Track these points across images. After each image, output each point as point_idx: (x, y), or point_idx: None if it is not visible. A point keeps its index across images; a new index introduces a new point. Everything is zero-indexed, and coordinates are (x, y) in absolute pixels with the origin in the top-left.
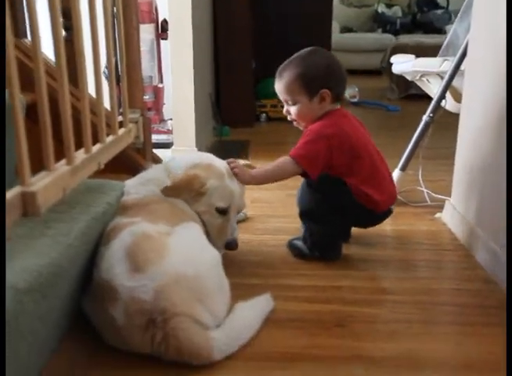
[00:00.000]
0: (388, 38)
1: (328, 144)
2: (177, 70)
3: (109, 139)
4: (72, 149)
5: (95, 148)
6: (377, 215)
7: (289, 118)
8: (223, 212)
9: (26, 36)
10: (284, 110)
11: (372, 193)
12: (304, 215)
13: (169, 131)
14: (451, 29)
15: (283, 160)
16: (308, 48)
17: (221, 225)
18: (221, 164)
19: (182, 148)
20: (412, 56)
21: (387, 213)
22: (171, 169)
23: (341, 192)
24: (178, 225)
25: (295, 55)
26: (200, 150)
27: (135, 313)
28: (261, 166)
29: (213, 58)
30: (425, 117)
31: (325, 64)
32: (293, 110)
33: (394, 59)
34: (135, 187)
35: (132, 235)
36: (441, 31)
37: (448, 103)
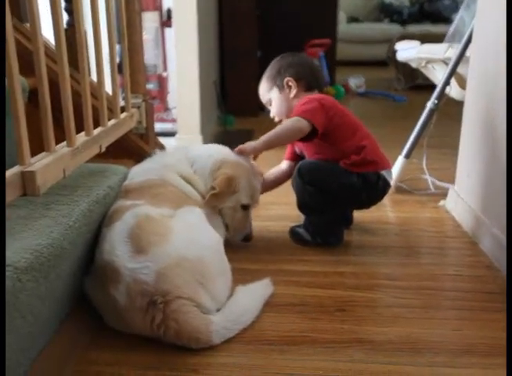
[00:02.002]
0: (395, 28)
1: (321, 103)
2: (181, 58)
3: (111, 122)
4: (72, 130)
5: (97, 131)
6: (375, 190)
7: (276, 119)
8: (246, 207)
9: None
10: (270, 114)
11: (368, 144)
12: (301, 207)
13: (173, 120)
14: (457, 16)
15: (289, 121)
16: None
17: (241, 219)
18: (243, 159)
19: (186, 136)
20: (417, 42)
21: (384, 186)
22: (195, 164)
23: (334, 176)
24: (181, 208)
25: None
26: (204, 138)
27: (136, 295)
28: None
29: (218, 46)
30: (430, 104)
31: (286, 61)
32: (273, 108)
33: (398, 45)
34: (145, 171)
35: (135, 217)
36: (449, 21)
37: (453, 90)
